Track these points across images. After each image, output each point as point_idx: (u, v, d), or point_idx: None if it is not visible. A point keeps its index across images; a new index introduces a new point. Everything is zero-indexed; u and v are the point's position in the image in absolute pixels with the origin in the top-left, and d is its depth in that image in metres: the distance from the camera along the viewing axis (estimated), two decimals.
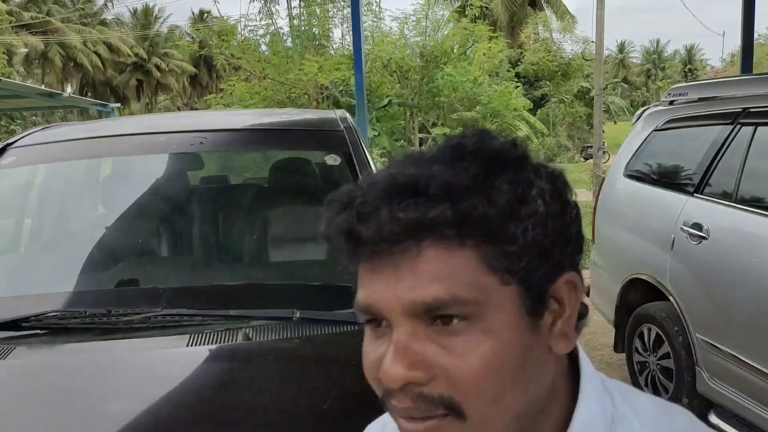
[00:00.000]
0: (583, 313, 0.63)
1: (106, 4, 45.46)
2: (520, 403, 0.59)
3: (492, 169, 0.58)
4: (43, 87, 26.00)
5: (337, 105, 12.75)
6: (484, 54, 14.41)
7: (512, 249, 0.57)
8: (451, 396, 0.56)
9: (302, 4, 15.43)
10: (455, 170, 0.57)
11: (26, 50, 36.88)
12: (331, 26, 15.73)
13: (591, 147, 16.43)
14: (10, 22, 31.61)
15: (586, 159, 21.78)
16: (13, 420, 1.52)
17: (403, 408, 0.58)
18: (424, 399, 0.57)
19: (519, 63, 23.97)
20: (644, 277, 3.42)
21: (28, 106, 17.69)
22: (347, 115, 2.77)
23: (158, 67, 44.76)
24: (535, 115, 21.30)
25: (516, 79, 19.95)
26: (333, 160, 2.43)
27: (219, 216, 2.56)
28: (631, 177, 3.88)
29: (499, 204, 0.56)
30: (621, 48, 62.10)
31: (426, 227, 0.56)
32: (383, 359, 0.58)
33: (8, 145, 2.49)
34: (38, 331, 1.81)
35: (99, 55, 41.13)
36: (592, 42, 16.21)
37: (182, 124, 2.98)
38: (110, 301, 2.00)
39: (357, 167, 2.24)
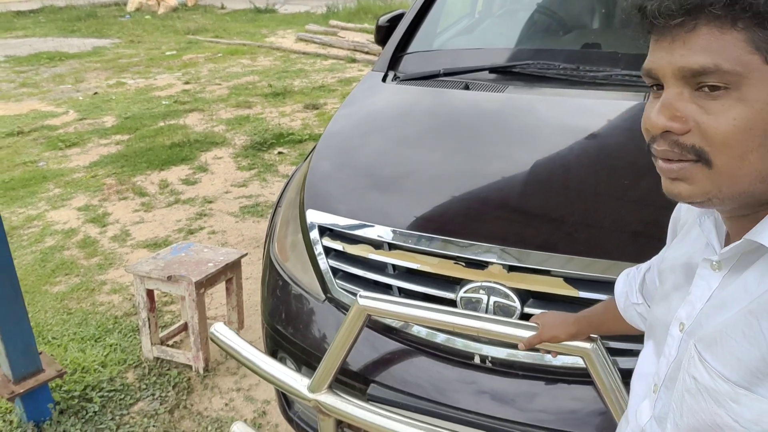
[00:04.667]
0: None
1: None
2: (766, 164, 0.67)
3: None
4: None
5: None
6: None
7: None
8: (702, 147, 0.68)
9: None
10: None
11: None
12: None
13: None
14: None
15: None
16: (511, 136, 2.05)
17: (661, 150, 0.71)
18: (678, 145, 0.69)
19: None
20: None
21: None
22: None
23: None
24: None
25: None
26: None
27: None
28: None
29: None
30: None
31: (700, 7, 0.65)
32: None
33: None
34: (522, 77, 2.32)
35: None
36: None
37: None
38: (578, 59, 2.36)
39: None
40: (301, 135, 6.01)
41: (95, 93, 8.10)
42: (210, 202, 4.69)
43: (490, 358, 1.63)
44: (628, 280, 1.18)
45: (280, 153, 5.63)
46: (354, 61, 9.56)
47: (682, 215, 0.97)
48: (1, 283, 2.24)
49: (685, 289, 0.83)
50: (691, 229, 0.89)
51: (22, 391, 2.36)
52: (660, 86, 0.71)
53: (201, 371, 2.80)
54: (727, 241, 0.79)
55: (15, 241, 4.20)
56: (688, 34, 0.66)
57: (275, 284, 2.04)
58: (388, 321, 1.76)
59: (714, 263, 0.77)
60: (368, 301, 1.57)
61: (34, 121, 6.91)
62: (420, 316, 1.55)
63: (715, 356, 0.71)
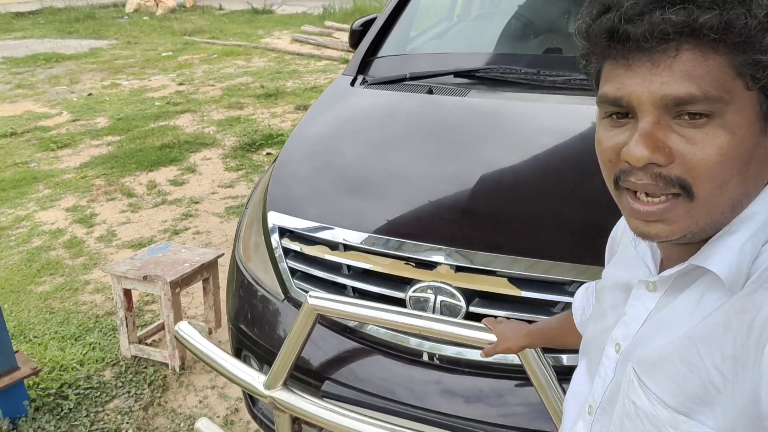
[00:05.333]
0: None
1: None
2: (739, 192, 0.66)
3: None
4: None
5: None
6: None
7: (762, 58, 0.62)
8: (686, 178, 0.65)
9: None
10: None
11: None
12: None
13: None
14: None
15: None
16: (468, 140, 2.07)
17: (642, 184, 0.67)
18: (662, 178, 0.65)
19: None
20: None
21: None
22: None
23: None
24: None
25: None
26: None
27: None
28: None
29: (758, 16, 0.61)
30: None
31: (692, 30, 0.62)
32: (626, 144, 0.66)
33: None
34: (485, 81, 2.36)
35: None
36: None
37: None
38: (539, 64, 2.40)
39: None
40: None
41: (89, 94, 8.16)
42: (196, 202, 4.74)
43: (437, 356, 1.68)
44: (587, 294, 1.17)
45: (268, 154, 5.68)
46: (347, 62, 9.59)
47: (618, 235, 0.97)
48: None
49: (621, 309, 0.82)
50: (628, 249, 0.87)
51: None
52: (622, 114, 0.68)
53: (177, 369, 2.85)
54: (662, 263, 0.79)
55: (2, 242, 4.26)
56: (673, 60, 0.63)
57: (239, 284, 2.09)
58: (342, 319, 1.81)
59: (650, 284, 0.77)
60: (318, 300, 1.62)
61: (27, 123, 6.97)
62: (367, 316, 1.60)
63: (654, 381, 0.71)
